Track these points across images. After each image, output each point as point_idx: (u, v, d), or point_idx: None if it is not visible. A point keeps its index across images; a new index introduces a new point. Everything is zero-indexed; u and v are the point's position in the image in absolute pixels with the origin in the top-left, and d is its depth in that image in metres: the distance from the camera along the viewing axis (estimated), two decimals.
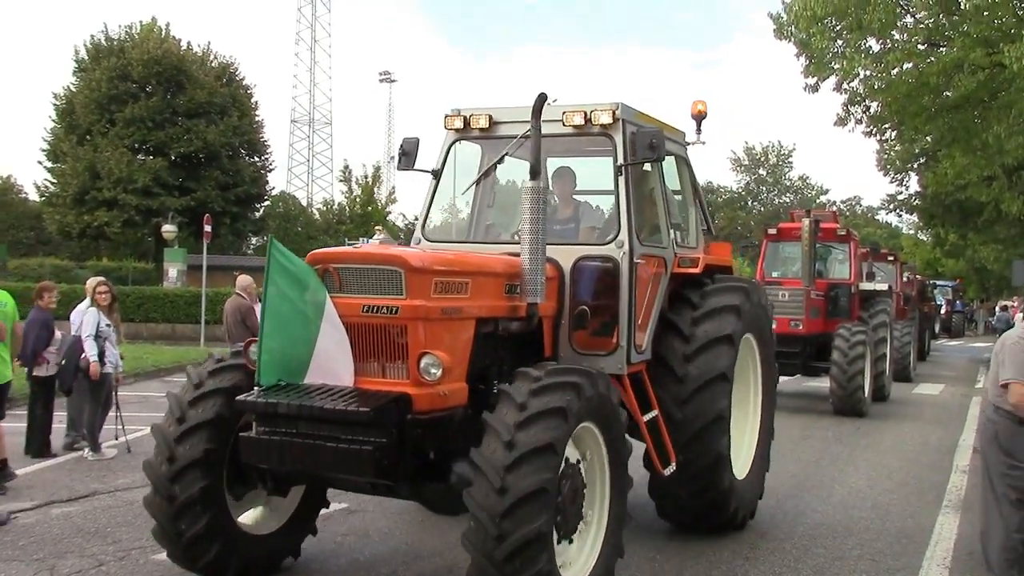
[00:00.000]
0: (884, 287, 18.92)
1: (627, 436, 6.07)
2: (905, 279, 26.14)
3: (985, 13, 22.05)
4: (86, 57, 39.63)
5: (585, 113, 6.79)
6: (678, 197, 8.03)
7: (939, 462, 11.59)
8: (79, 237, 40.29)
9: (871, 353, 15.79)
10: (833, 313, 17.03)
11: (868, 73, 24.73)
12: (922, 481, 10.47)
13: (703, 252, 8.00)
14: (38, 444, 10.58)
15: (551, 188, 7.46)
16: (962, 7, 22.90)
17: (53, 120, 39.75)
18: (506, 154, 7.04)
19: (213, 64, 41.38)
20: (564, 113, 6.83)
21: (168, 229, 33.13)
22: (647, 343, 7.07)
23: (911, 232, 65.04)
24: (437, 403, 5.43)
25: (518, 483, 4.92)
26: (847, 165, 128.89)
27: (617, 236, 6.71)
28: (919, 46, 23.92)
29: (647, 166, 7.15)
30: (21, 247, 46.02)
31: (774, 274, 17.78)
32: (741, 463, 7.84)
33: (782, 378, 17.88)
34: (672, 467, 6.95)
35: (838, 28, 23.82)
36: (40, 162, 40.25)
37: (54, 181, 39.50)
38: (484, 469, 5.00)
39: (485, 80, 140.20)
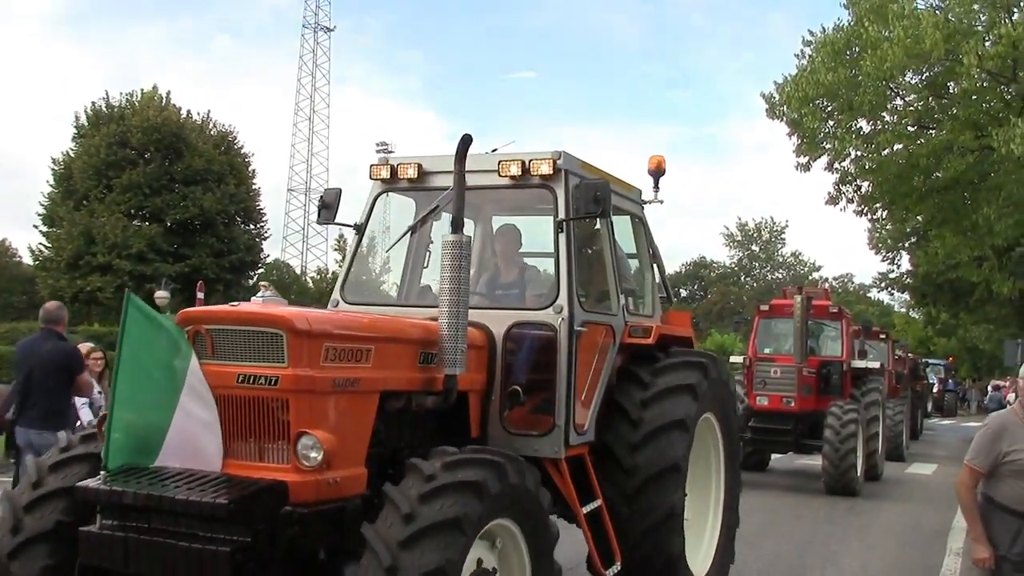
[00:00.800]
0: (876, 365, 18.70)
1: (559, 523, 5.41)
2: (897, 357, 26.13)
3: (974, 97, 22.56)
4: (86, 123, 40.01)
5: (523, 163, 6.09)
6: (634, 261, 7.48)
7: (932, 544, 11.44)
8: (71, 301, 40.11)
9: (863, 431, 15.64)
10: (825, 391, 16.83)
11: (859, 153, 25.15)
12: (915, 563, 10.32)
13: (660, 321, 7.31)
14: None
15: (494, 249, 6.93)
16: (951, 91, 23.39)
17: (51, 185, 39.94)
18: (437, 207, 6.30)
19: (212, 132, 41.79)
20: (500, 163, 6.13)
21: (161, 295, 33.03)
22: (590, 423, 6.26)
23: (903, 310, 65.32)
24: (324, 493, 4.51)
25: (414, 562, 4.12)
26: (839, 242, 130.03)
27: (556, 300, 5.93)
28: (909, 128, 24.39)
29: (596, 223, 6.50)
30: (12, 311, 45.94)
31: (766, 350, 17.55)
32: (701, 559, 7.11)
33: (774, 456, 17.94)
34: (617, 566, 6.08)
35: (829, 109, 24.30)
36: (36, 226, 40.40)
37: (49, 245, 39.58)
38: (373, 544, 4.20)
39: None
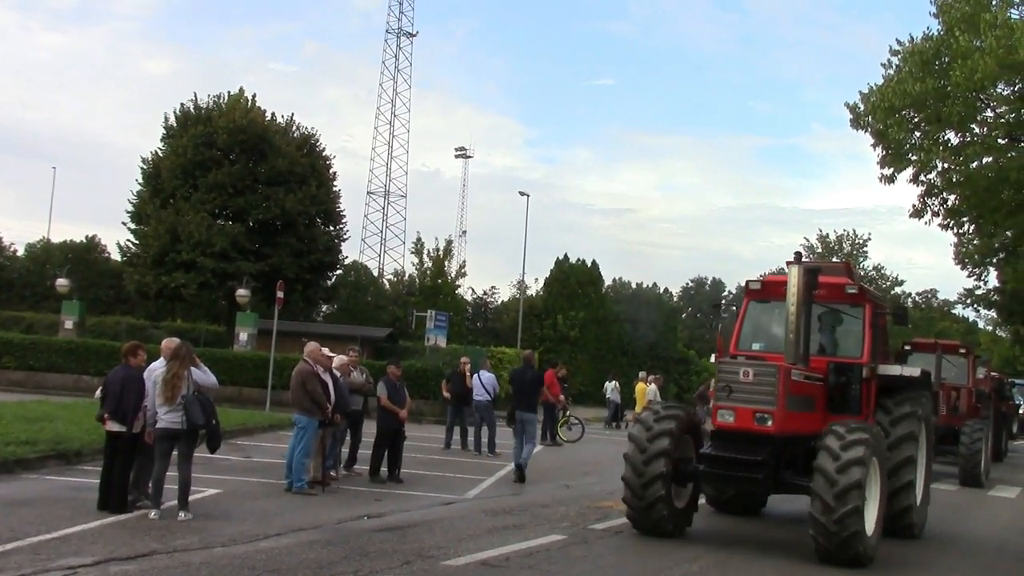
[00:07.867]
0: (915, 374, 12.47)
1: None
2: (980, 375, 25.28)
3: None
4: (175, 124, 41.06)
5: None
6: None
7: (1017, 570, 11.10)
8: (156, 297, 41.22)
9: (880, 465, 10.68)
10: (841, 407, 11.78)
11: (946, 166, 24.53)
12: None
13: None
14: (118, 499, 10.71)
15: None
16: None
17: (139, 183, 41.07)
18: None
19: (295, 135, 42.56)
20: None
21: (242, 293, 33.84)
22: None
23: (989, 328, 63.44)
24: None
25: None
26: (924, 257, 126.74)
27: None
28: (999, 140, 23.70)
29: None
30: (100, 305, 47.14)
31: (755, 347, 12.45)
32: None
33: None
34: None
35: (916, 120, 23.76)
36: (124, 223, 41.50)
37: (136, 242, 40.66)
38: None
39: (558, 159, 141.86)
